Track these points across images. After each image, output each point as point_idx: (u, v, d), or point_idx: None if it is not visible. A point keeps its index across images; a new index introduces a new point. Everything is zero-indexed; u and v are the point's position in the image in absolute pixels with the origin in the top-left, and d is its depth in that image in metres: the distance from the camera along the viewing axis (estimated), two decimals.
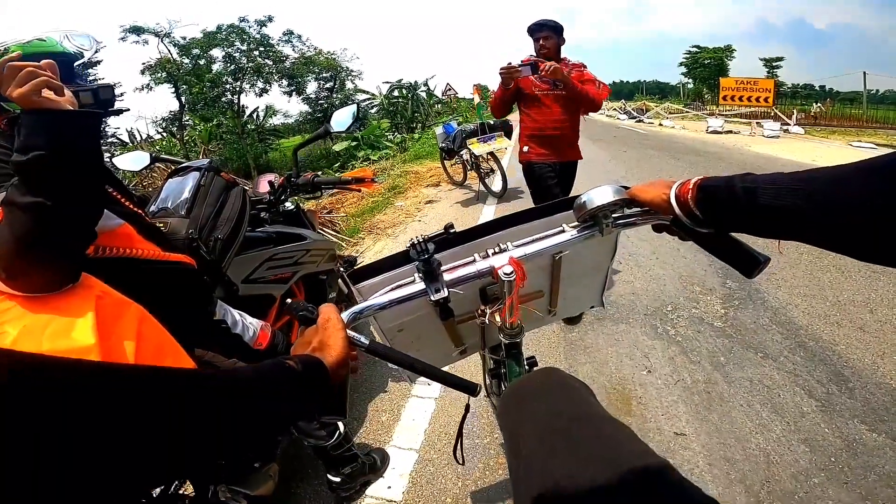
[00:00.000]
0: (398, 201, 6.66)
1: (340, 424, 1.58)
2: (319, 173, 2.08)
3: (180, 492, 1.21)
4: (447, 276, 0.87)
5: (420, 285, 0.87)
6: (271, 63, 24.47)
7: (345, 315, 0.78)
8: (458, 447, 1.10)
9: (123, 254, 1.02)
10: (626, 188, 0.84)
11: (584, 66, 2.88)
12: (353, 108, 1.90)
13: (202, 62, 22.47)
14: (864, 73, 18.58)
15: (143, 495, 0.88)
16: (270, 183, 1.98)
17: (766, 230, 0.61)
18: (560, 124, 2.85)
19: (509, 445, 0.75)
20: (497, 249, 0.92)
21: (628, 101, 35.32)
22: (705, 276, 3.28)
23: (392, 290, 0.89)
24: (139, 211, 1.19)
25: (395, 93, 22.53)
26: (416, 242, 0.84)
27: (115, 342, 0.84)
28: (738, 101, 14.60)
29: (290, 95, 26.54)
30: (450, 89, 20.54)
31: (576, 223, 0.92)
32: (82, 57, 1.15)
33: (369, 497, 1.71)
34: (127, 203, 1.14)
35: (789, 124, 13.49)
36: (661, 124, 18.05)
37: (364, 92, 24.91)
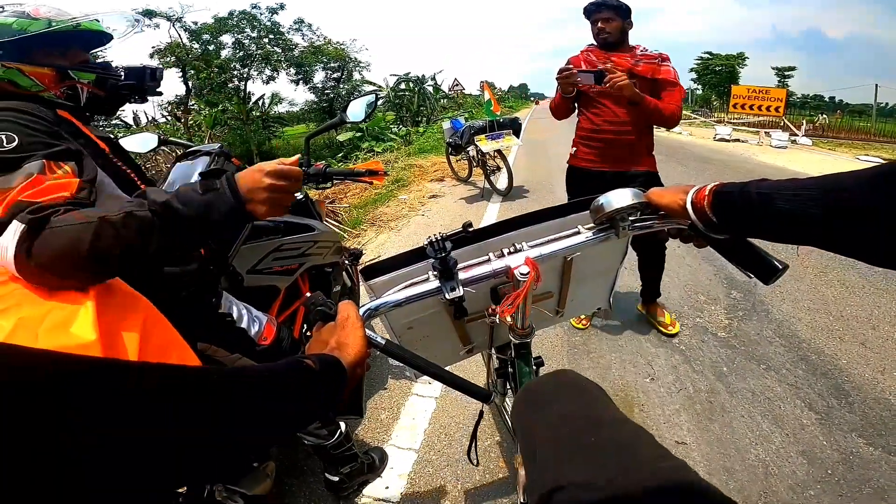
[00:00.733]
0: (402, 194, 6.64)
1: (342, 423, 1.57)
2: (328, 164, 2.06)
3: (175, 490, 1.19)
4: (462, 275, 0.86)
5: (434, 283, 0.86)
6: (280, 51, 24.41)
7: (360, 311, 0.77)
8: (473, 449, 1.11)
9: None
10: (644, 191, 0.84)
11: (665, 60, 2.28)
12: (370, 98, 1.87)
13: (211, 48, 22.42)
14: (876, 85, 18.50)
15: (149, 498, 0.86)
16: None
17: (782, 235, 0.61)
18: (619, 126, 2.34)
19: (524, 448, 0.74)
20: (512, 249, 0.92)
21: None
22: (710, 286, 3.27)
23: (406, 287, 0.88)
24: None
25: (402, 86, 22.44)
26: (433, 240, 0.82)
27: (117, 335, 0.76)
28: (748, 110, 14.53)
29: (297, 84, 26.50)
30: (457, 84, 20.48)
31: (591, 225, 0.92)
32: (108, 41, 1.18)
33: (366, 497, 1.70)
34: (141, 184, 1.13)
35: (797, 135, 13.44)
36: (668, 129, 17.89)
37: (371, 83, 24.83)
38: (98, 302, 0.78)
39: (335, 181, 2.04)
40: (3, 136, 0.84)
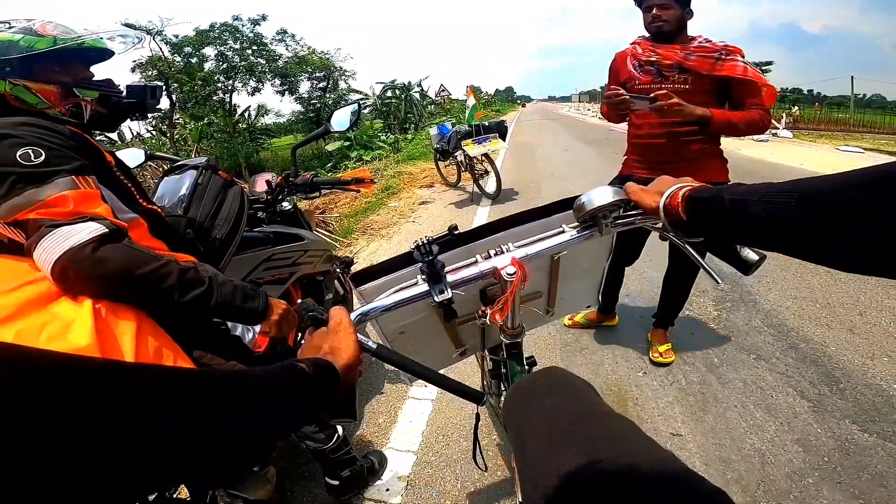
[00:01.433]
0: (392, 202, 6.65)
1: (339, 427, 1.57)
2: (316, 173, 2.07)
3: (176, 496, 1.19)
4: (450, 278, 0.87)
5: (423, 287, 0.87)
6: (264, 62, 24.41)
7: (352, 316, 0.78)
8: (478, 452, 1.12)
9: None
10: (623, 189, 0.85)
11: (732, 54, 1.87)
12: (354, 107, 1.89)
13: (194, 60, 22.34)
14: (852, 77, 18.85)
15: (144, 498, 0.87)
16: (268, 182, 1.97)
17: (755, 242, 0.62)
18: (667, 129, 1.98)
19: (515, 445, 0.75)
20: (498, 250, 0.93)
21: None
22: (698, 279, 3.30)
23: (395, 292, 0.89)
24: (155, 207, 1.18)
25: (389, 93, 22.53)
26: (420, 244, 0.84)
27: (113, 343, 0.82)
28: None
29: (283, 95, 26.52)
30: (443, 90, 20.54)
31: (575, 223, 0.93)
32: (108, 57, 1.20)
33: (367, 500, 1.70)
34: (142, 199, 1.14)
35: (778, 128, 13.63)
36: None
37: (357, 92, 24.89)
38: (95, 311, 0.83)
39: (323, 190, 2.04)
40: (31, 151, 0.88)
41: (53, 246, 0.83)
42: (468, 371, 2.28)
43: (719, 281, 0.79)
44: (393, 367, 0.83)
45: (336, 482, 1.62)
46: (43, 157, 0.88)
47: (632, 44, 2.10)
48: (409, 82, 23.15)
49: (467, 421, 2.03)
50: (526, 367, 1.06)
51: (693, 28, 2.02)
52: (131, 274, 0.88)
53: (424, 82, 24.55)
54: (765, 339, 2.51)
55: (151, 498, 0.99)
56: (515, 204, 6.02)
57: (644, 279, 3.33)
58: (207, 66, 22.90)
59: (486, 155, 6.10)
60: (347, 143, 14.94)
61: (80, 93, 1.05)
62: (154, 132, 20.87)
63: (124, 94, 1.14)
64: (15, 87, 0.97)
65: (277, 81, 25.53)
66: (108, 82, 1.13)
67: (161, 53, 21.48)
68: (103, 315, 0.84)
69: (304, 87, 27.24)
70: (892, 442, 1.78)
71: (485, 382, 1.42)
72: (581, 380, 0.80)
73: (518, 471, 0.73)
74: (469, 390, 0.86)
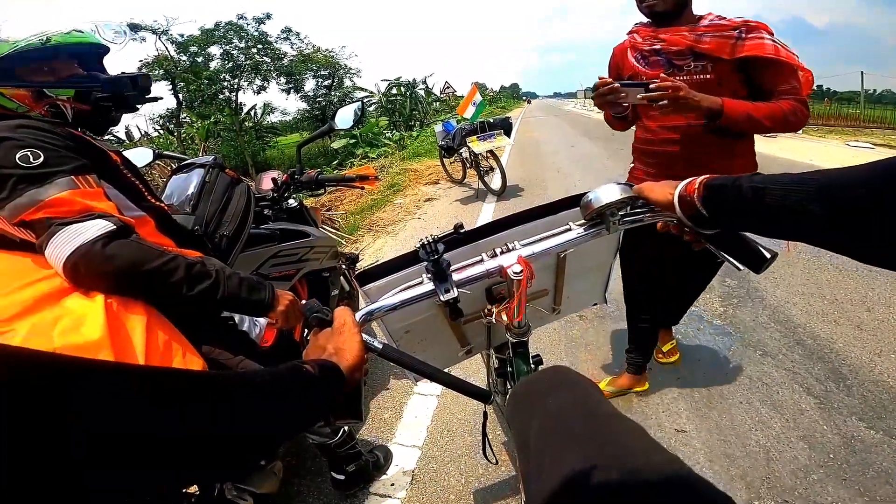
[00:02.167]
0: (397, 199, 6.66)
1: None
2: (321, 171, 2.08)
3: (186, 490, 1.21)
4: (456, 276, 0.87)
5: (429, 286, 0.86)
6: (269, 60, 24.43)
7: (357, 316, 0.78)
8: (488, 447, 1.12)
9: None
10: (632, 186, 0.85)
11: (755, 30, 1.47)
12: (357, 105, 1.90)
13: (200, 59, 22.40)
14: (862, 72, 18.58)
15: (151, 497, 0.89)
16: (274, 180, 1.98)
17: (772, 230, 0.61)
18: (679, 134, 1.60)
19: (518, 444, 0.74)
20: (504, 248, 0.92)
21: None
22: None
23: (401, 291, 0.88)
24: (161, 204, 1.20)
25: (394, 91, 22.49)
26: (425, 243, 0.83)
27: (125, 338, 0.84)
28: None
29: (288, 93, 26.55)
30: (448, 87, 20.52)
31: (582, 221, 0.92)
32: (108, 49, 1.19)
33: (373, 494, 1.72)
34: (149, 196, 1.15)
35: None
36: None
37: (362, 90, 24.90)
38: (107, 305, 0.85)
39: (328, 187, 2.06)
40: (29, 153, 0.90)
41: (64, 243, 0.86)
42: (474, 368, 2.29)
43: (741, 267, 0.78)
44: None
45: (342, 477, 1.64)
46: (42, 159, 0.90)
47: (629, 33, 1.72)
48: (414, 79, 23.09)
49: (472, 417, 2.04)
50: (532, 366, 1.06)
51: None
52: (140, 269, 0.91)
53: (429, 79, 24.59)
54: (771, 336, 2.50)
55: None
56: (521, 200, 6.01)
57: None
58: (213, 64, 22.95)
59: (491, 151, 6.08)
60: (353, 141, 14.95)
61: (54, 93, 1.04)
62: (161, 131, 21.03)
63: (101, 87, 1.10)
64: None
65: (283, 80, 25.56)
66: (89, 78, 1.10)
67: (167, 53, 21.57)
68: (115, 310, 0.86)
69: (310, 85, 27.30)
70: None
71: (490, 380, 1.42)
72: (586, 379, 0.79)
73: (521, 470, 0.72)
74: (476, 389, 0.86)
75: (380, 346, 0.77)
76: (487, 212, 5.56)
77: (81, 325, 0.81)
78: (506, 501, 1.66)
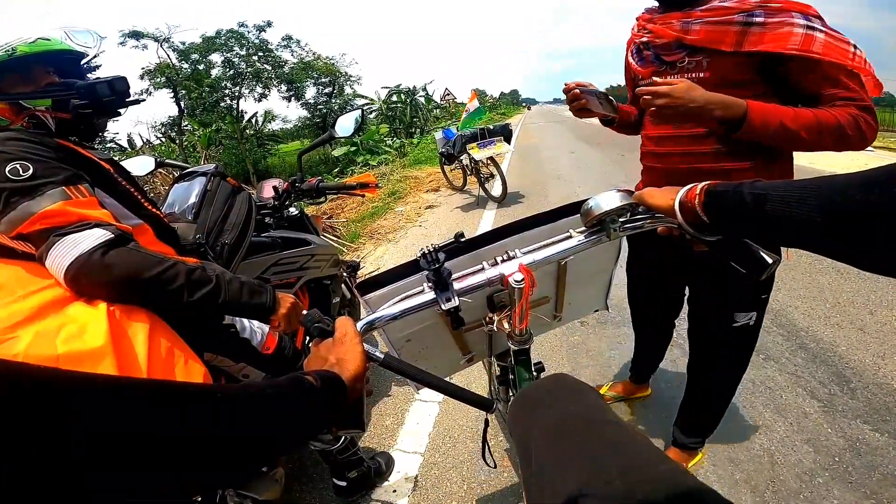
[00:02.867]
0: (398, 206, 6.67)
1: None
2: (322, 178, 2.09)
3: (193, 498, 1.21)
4: (457, 285, 0.87)
5: (430, 295, 0.86)
6: (270, 68, 24.56)
7: (358, 326, 0.77)
8: (488, 452, 1.12)
9: None
10: (632, 192, 0.85)
11: (779, 13, 1.09)
12: (357, 113, 1.91)
13: (201, 67, 22.54)
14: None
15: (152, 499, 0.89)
16: (275, 188, 1.99)
17: (773, 237, 0.60)
18: (681, 146, 1.29)
19: (520, 453, 0.73)
20: (505, 257, 0.92)
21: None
22: None
23: (402, 300, 0.88)
24: (158, 212, 1.20)
25: (394, 98, 22.62)
26: (426, 252, 0.83)
27: (128, 345, 0.85)
28: None
29: (289, 100, 26.64)
30: (448, 94, 20.65)
31: (582, 228, 0.92)
32: (86, 55, 1.17)
33: (375, 501, 1.71)
34: (146, 203, 1.16)
35: None
36: None
37: (363, 97, 25.02)
38: (110, 313, 0.86)
39: (329, 195, 2.07)
40: (19, 166, 0.90)
41: (63, 254, 0.86)
42: (476, 376, 2.29)
43: (743, 272, 0.77)
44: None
45: (343, 483, 1.64)
46: (31, 171, 0.90)
47: (639, 18, 1.40)
48: (415, 87, 23.23)
49: (473, 423, 2.04)
50: (534, 374, 1.06)
51: None
52: (140, 277, 0.91)
53: (429, 86, 24.65)
54: (774, 339, 2.49)
55: None
56: (522, 207, 6.02)
57: None
58: (214, 72, 23.08)
59: (491, 158, 6.10)
60: (354, 149, 15.01)
61: (31, 103, 1.02)
62: (163, 139, 21.13)
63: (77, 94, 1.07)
64: None
65: (284, 87, 25.67)
66: (64, 86, 1.07)
67: (169, 60, 21.71)
68: (117, 317, 0.87)
69: (310, 92, 27.40)
70: None
71: (492, 388, 1.41)
72: (588, 386, 0.79)
73: (523, 479, 0.71)
74: (478, 398, 0.86)
75: (381, 356, 0.77)
76: (488, 219, 5.57)
77: (84, 332, 0.81)
78: None
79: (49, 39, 1.07)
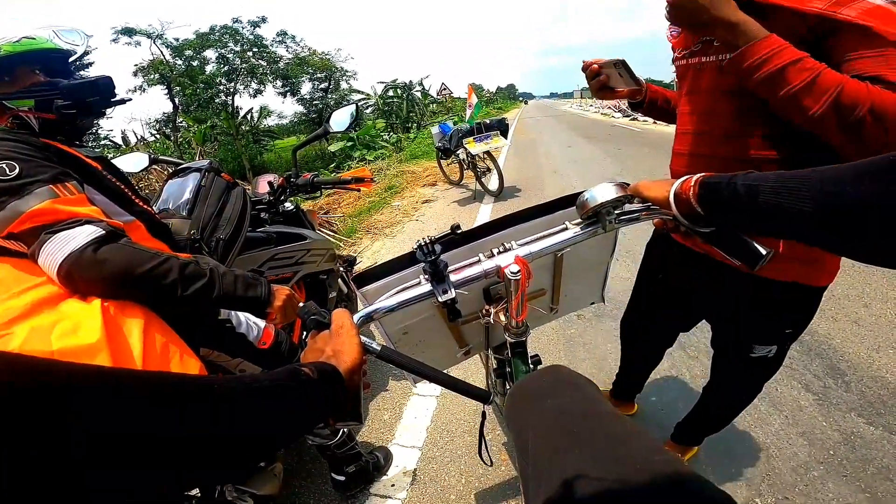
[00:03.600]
0: (395, 201, 6.66)
1: None
2: (317, 173, 2.08)
3: (187, 492, 1.21)
4: (453, 277, 0.86)
5: (426, 287, 0.86)
6: (265, 64, 24.42)
7: (354, 318, 0.77)
8: (484, 449, 1.11)
9: None
10: (627, 184, 0.84)
11: None
12: (352, 108, 1.90)
13: (195, 63, 22.39)
14: None
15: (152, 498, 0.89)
16: (270, 183, 1.98)
17: (766, 229, 0.60)
18: (706, 142, 1.13)
19: (517, 445, 0.74)
20: (501, 249, 0.92)
21: (623, 100, 35.33)
22: None
23: (398, 292, 0.88)
24: (149, 209, 1.19)
25: (390, 93, 22.54)
26: (422, 244, 0.82)
27: (123, 341, 0.84)
28: None
29: (285, 96, 26.57)
30: (445, 89, 20.50)
31: (578, 220, 0.92)
32: (74, 53, 1.15)
33: (373, 495, 1.72)
34: (137, 200, 1.15)
35: None
36: (655, 122, 18.12)
37: (359, 92, 24.90)
38: (104, 309, 0.86)
39: (324, 190, 2.06)
40: (5, 165, 0.89)
41: (55, 251, 0.86)
42: (473, 369, 2.29)
43: (737, 264, 0.77)
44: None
45: (342, 478, 1.64)
46: (17, 170, 0.89)
47: None
48: (411, 81, 23.16)
49: (471, 417, 2.04)
50: (531, 366, 1.06)
51: None
52: (133, 273, 0.90)
53: (426, 81, 24.63)
54: None
55: None
56: (518, 201, 6.02)
57: None
58: (209, 68, 22.94)
59: (488, 153, 6.09)
60: (350, 144, 14.96)
61: (14, 104, 1.02)
62: (158, 135, 21.01)
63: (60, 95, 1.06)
64: None
65: (279, 83, 25.58)
66: (48, 86, 1.06)
67: (162, 57, 21.55)
68: (112, 313, 0.87)
69: (306, 88, 27.33)
70: None
71: (489, 381, 1.42)
72: (584, 378, 0.79)
73: (520, 471, 0.72)
74: (475, 390, 0.86)
75: (378, 348, 0.77)
76: (485, 213, 5.56)
77: (79, 328, 0.81)
78: (506, 502, 1.65)
79: (34, 38, 1.05)
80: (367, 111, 22.58)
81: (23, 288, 0.84)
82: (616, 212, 0.88)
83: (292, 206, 2.04)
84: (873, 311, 2.65)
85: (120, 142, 19.14)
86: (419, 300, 0.86)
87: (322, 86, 27.68)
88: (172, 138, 19.93)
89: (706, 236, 0.77)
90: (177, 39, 21.95)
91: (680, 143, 1.23)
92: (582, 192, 0.88)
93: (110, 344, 0.80)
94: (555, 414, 0.69)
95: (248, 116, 24.48)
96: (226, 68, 23.11)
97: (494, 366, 1.33)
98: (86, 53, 1.17)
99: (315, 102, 27.58)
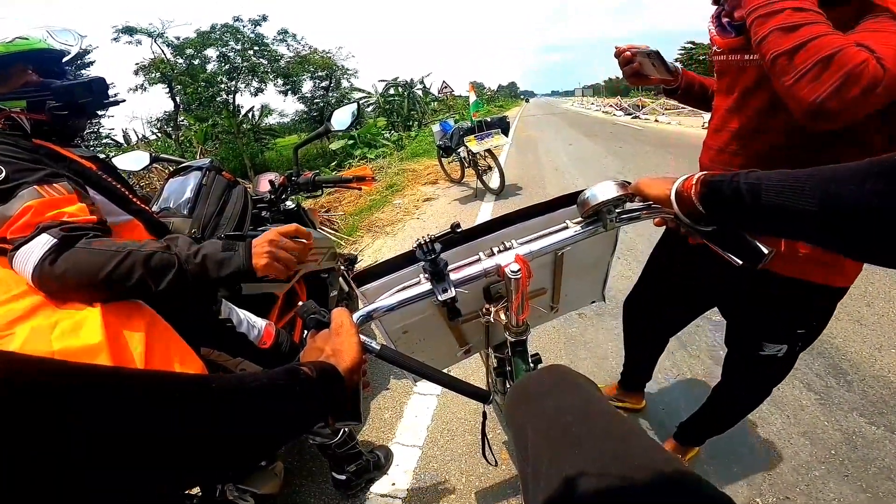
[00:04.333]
0: (396, 199, 6.66)
1: None
2: (318, 172, 2.08)
3: (188, 491, 1.21)
4: (453, 276, 0.86)
5: (426, 286, 0.85)
6: (266, 62, 24.40)
7: (354, 317, 0.77)
8: (488, 449, 1.11)
9: None
10: (629, 183, 0.84)
11: None
12: (354, 106, 1.90)
13: (196, 62, 22.38)
14: None
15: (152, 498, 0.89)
16: (271, 182, 1.98)
17: (769, 229, 0.60)
18: (739, 138, 1.12)
19: (516, 444, 0.73)
20: (502, 247, 0.91)
21: (624, 98, 35.34)
22: None
23: (398, 291, 0.87)
24: (147, 208, 1.19)
25: (392, 91, 22.53)
26: (422, 243, 0.82)
27: (124, 341, 0.84)
28: None
29: (286, 94, 26.54)
30: (446, 87, 20.47)
31: (579, 219, 0.91)
32: (68, 53, 1.15)
33: (374, 494, 1.72)
34: (134, 199, 1.15)
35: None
36: (656, 120, 18.05)
37: (360, 90, 24.91)
38: (105, 310, 0.85)
39: (326, 189, 2.06)
40: None
41: (21, 267, 0.85)
42: (473, 368, 2.29)
43: (739, 263, 0.76)
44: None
45: (342, 477, 1.65)
46: (3, 174, 0.88)
47: None
48: (412, 79, 23.15)
49: (472, 416, 2.04)
50: (531, 365, 1.06)
51: (695, 18, 1.31)
52: (95, 278, 0.86)
53: (427, 79, 24.69)
54: None
55: None
56: (519, 199, 6.01)
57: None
58: (210, 67, 22.90)
59: (489, 151, 6.08)
60: (351, 142, 14.96)
61: (6, 105, 1.00)
62: (159, 134, 21.03)
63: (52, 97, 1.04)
64: None
65: (280, 81, 25.55)
66: (40, 87, 1.04)
67: (163, 55, 21.55)
68: (113, 313, 0.86)
69: (307, 86, 27.30)
70: None
71: (490, 380, 1.42)
72: (584, 378, 0.79)
73: (520, 470, 0.72)
74: (475, 389, 0.85)
75: (377, 348, 0.76)
76: (486, 211, 5.56)
77: (80, 328, 0.81)
78: (507, 501, 1.65)
79: (28, 38, 1.04)
80: (369, 109, 22.57)
81: (23, 290, 0.84)
82: (617, 210, 0.88)
83: (293, 205, 2.04)
84: (876, 310, 2.64)
85: (121, 140, 19.16)
86: (419, 299, 0.86)
87: (323, 84, 27.66)
88: (174, 137, 19.95)
89: (707, 235, 0.76)
90: (178, 38, 21.94)
91: (712, 138, 1.22)
92: (583, 191, 0.87)
93: (111, 344, 0.80)
94: (555, 413, 0.69)
95: (250, 115, 24.49)
96: (227, 67, 23.09)
97: (495, 364, 1.32)
98: (86, 52, 1.17)
99: (316, 101, 27.56)
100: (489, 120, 6.26)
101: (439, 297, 0.83)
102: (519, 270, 0.84)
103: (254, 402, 0.47)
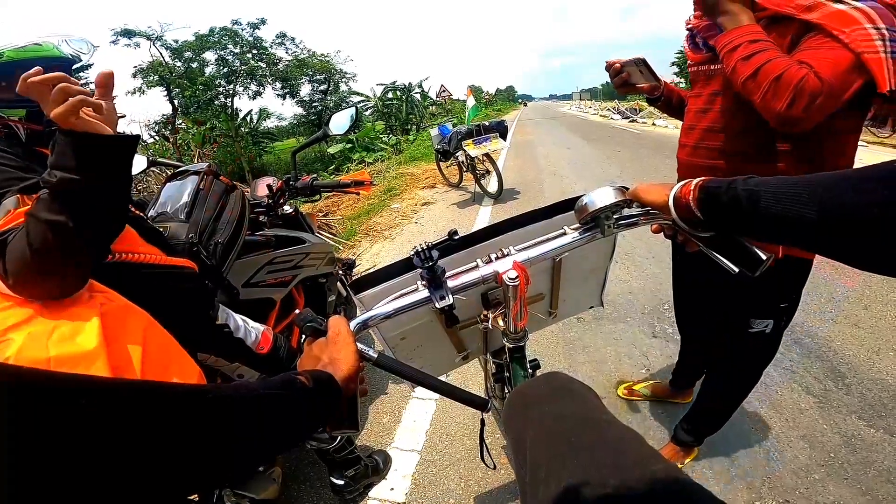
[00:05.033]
0: (394, 203, 6.66)
1: None
2: (316, 176, 2.08)
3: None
4: (451, 283, 0.86)
5: (424, 293, 0.85)
6: (264, 66, 24.41)
7: (351, 325, 0.77)
8: (486, 453, 1.12)
9: (127, 258, 1.02)
10: (626, 189, 0.84)
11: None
12: (352, 110, 1.90)
13: (195, 65, 22.39)
14: None
15: None
16: (269, 186, 1.98)
17: (767, 235, 0.60)
18: (714, 143, 1.26)
19: (514, 451, 0.73)
20: (499, 254, 0.91)
21: (622, 102, 35.45)
22: None
23: (396, 298, 0.87)
24: (140, 214, 1.19)
25: (390, 95, 22.61)
26: (419, 250, 0.82)
27: (121, 347, 0.84)
28: None
29: (284, 98, 26.54)
30: (444, 91, 20.52)
31: (577, 225, 0.91)
32: (79, 60, 1.14)
33: (372, 499, 1.71)
34: (132, 208, 1.14)
35: None
36: (654, 124, 18.12)
37: (358, 94, 24.99)
38: (102, 315, 0.84)
39: (324, 193, 2.06)
40: None
41: None
42: (472, 373, 2.29)
43: (737, 269, 0.76)
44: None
45: (341, 482, 1.64)
46: None
47: None
48: (410, 83, 23.25)
49: (470, 421, 2.04)
50: (530, 370, 1.05)
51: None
52: (25, 258, 0.80)
53: (425, 83, 24.66)
54: None
55: None
56: (518, 203, 6.02)
57: (646, 276, 3.32)
58: (208, 70, 22.92)
59: (487, 155, 6.09)
60: (349, 146, 14.98)
61: (5, 113, 1.00)
62: (157, 137, 20.99)
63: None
64: None
65: (278, 85, 25.56)
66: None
67: (162, 58, 21.56)
68: (110, 319, 0.86)
69: (306, 89, 27.30)
70: None
71: (488, 386, 1.41)
72: (583, 385, 0.78)
73: (518, 477, 0.71)
74: (473, 398, 0.85)
75: (375, 356, 0.76)
76: (484, 215, 5.56)
77: (77, 334, 0.80)
78: None
79: (41, 45, 1.04)
80: (367, 113, 22.64)
81: (21, 297, 0.84)
82: (615, 216, 0.88)
83: (291, 209, 2.04)
84: (873, 313, 2.65)
85: None
86: (416, 306, 0.85)
87: (321, 88, 27.68)
88: (171, 140, 19.90)
89: (705, 241, 0.76)
90: (176, 41, 21.96)
91: (685, 136, 1.38)
92: (581, 197, 0.87)
93: (108, 350, 0.80)
94: (553, 420, 0.69)
95: (248, 118, 24.49)
96: (225, 70, 23.10)
97: (493, 370, 1.32)
98: (83, 66, 1.15)
99: (314, 104, 27.58)
100: (487, 124, 6.27)
101: (437, 305, 0.83)
102: (517, 277, 0.84)
103: (250, 413, 0.46)
